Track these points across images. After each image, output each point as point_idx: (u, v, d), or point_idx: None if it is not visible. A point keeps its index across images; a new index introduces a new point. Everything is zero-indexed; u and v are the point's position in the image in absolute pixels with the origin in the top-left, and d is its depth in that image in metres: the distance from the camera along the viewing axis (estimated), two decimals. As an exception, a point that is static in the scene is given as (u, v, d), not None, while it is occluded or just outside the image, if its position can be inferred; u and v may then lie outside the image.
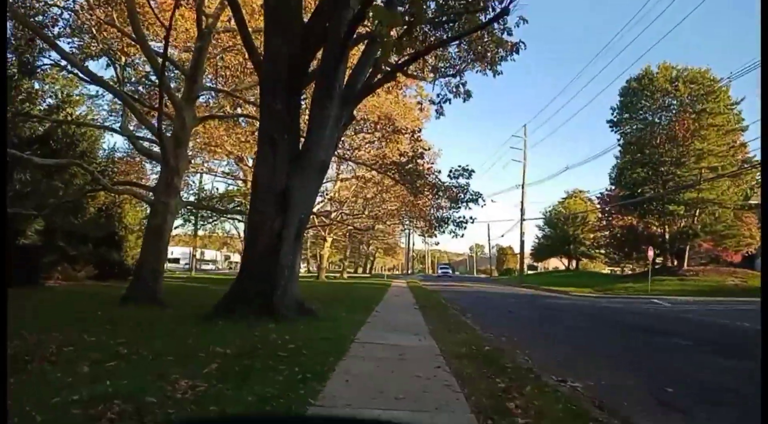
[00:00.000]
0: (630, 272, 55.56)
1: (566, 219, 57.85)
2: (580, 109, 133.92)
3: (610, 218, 43.85)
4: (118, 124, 16.61)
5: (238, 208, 25.29)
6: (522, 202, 43.15)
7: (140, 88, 16.80)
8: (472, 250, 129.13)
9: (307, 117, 9.70)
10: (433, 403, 3.96)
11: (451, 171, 14.84)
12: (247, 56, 11.01)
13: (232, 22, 11.85)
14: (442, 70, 12.10)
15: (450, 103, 14.30)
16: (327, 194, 31.25)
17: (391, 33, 9.79)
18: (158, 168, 21.43)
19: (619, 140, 37.23)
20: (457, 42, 11.25)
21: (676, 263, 35.88)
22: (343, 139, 20.38)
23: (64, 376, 4.33)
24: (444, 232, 17.28)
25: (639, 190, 34.65)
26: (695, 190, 31.18)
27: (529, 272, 61.41)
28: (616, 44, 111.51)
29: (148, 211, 15.52)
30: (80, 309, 10.26)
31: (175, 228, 50.36)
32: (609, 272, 64.26)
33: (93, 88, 23.93)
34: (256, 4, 13.34)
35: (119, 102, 15.51)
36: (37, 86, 19.60)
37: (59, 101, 22.20)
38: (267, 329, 7.48)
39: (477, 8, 9.46)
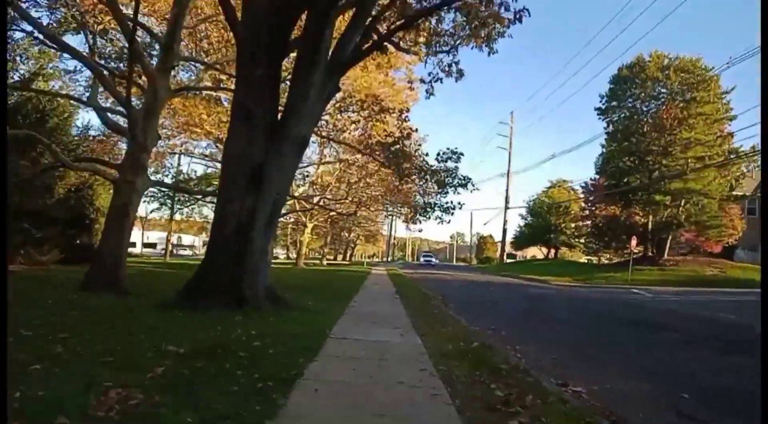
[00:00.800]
0: (607, 262, 56.00)
1: (549, 208, 57.82)
2: (568, 97, 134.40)
3: (594, 208, 43.80)
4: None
5: (216, 191, 24.34)
6: (507, 191, 42.91)
7: (119, 64, 15.67)
8: (453, 238, 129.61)
9: (287, 88, 8.82)
10: (420, 422, 3.29)
11: (438, 154, 14.18)
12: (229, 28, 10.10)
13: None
14: (436, 45, 11.32)
15: (441, 82, 13.60)
16: (309, 178, 30.37)
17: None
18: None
19: (606, 128, 36.93)
20: (452, 15, 10.48)
21: (655, 252, 35.93)
22: (326, 119, 19.49)
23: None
24: (430, 218, 16.63)
25: (625, 180, 34.44)
26: (681, 180, 31.06)
27: (508, 260, 61.38)
28: (608, 32, 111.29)
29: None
30: (32, 297, 9.32)
31: (151, 212, 49.23)
32: (586, 261, 64.73)
33: (71, 64, 22.58)
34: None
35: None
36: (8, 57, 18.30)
37: (31, 74, 20.90)
38: (233, 322, 6.74)
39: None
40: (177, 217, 48.17)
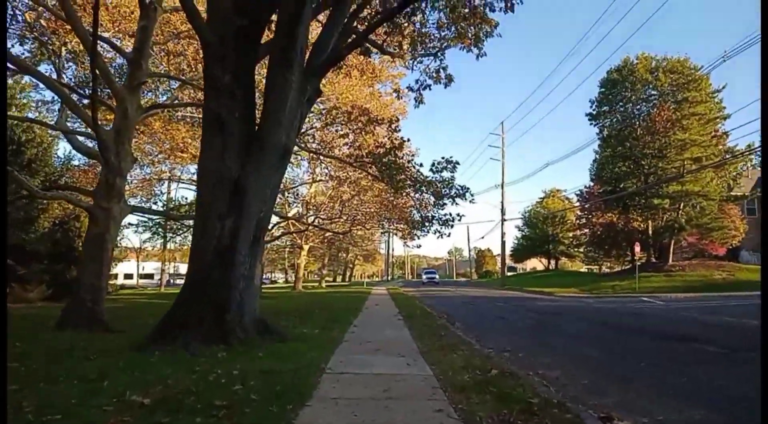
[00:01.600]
0: (608, 270, 55.12)
1: (545, 218, 57.18)
2: (558, 104, 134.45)
3: (590, 216, 43.14)
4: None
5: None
6: (502, 202, 42.13)
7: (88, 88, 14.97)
8: (451, 253, 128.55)
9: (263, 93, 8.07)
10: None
11: (433, 164, 13.42)
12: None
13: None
14: (421, 48, 10.70)
15: (430, 89, 13.04)
16: (300, 197, 29.56)
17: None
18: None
19: (598, 134, 36.40)
20: (437, 15, 9.86)
21: (659, 258, 35.17)
22: (313, 133, 18.80)
23: None
24: (428, 232, 15.79)
25: (621, 185, 33.81)
26: (679, 183, 30.44)
27: (509, 273, 60.46)
28: (595, 36, 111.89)
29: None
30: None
31: (145, 242, 48.13)
32: (587, 270, 63.83)
33: (48, 94, 21.84)
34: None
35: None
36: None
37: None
38: (214, 360, 5.88)
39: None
40: (170, 246, 47.14)
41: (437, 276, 62.27)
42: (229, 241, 7.00)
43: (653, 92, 33.62)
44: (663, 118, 30.85)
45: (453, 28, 10.17)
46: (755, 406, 4.69)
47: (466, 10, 9.89)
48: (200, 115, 16.56)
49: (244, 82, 7.28)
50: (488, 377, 5.29)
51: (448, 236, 14.88)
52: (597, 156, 38.05)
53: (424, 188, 13.13)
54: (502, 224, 42.83)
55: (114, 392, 4.58)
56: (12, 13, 13.09)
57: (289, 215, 25.57)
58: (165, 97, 16.96)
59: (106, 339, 8.54)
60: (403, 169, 12.69)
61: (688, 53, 34.49)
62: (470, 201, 13.77)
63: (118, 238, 32.53)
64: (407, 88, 13.20)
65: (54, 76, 13.04)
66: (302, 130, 17.59)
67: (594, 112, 36.66)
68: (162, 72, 14.15)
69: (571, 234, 55.87)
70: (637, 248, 29.33)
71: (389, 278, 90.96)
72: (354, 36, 7.99)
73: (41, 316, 13.02)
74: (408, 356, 6.64)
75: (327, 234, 32.70)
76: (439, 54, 12.32)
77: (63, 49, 13.65)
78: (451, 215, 14.24)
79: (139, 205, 25.54)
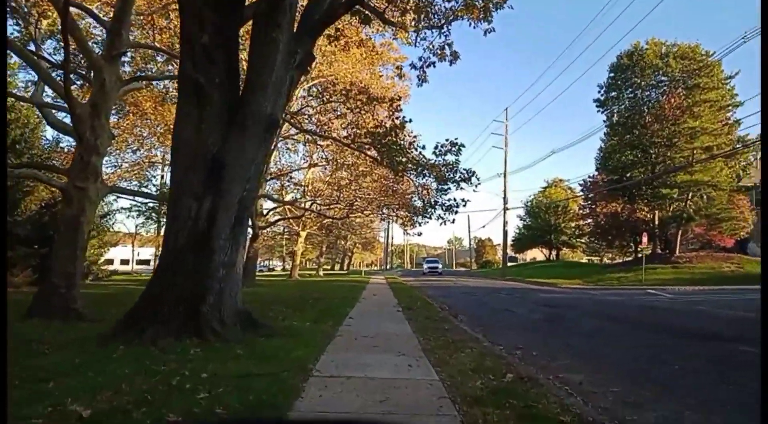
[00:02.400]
0: (608, 261, 54.26)
1: (548, 208, 56.25)
2: (564, 90, 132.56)
3: (594, 206, 42.25)
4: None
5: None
6: (504, 191, 41.21)
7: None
8: (451, 243, 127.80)
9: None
10: None
11: (436, 147, 12.47)
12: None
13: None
14: (425, 18, 9.77)
15: (434, 66, 12.16)
16: (292, 180, 28.64)
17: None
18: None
19: (606, 121, 35.34)
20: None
21: (665, 249, 34.36)
22: (309, 113, 17.90)
23: None
24: (431, 218, 14.90)
25: (628, 174, 32.82)
26: (687, 173, 29.50)
27: (510, 263, 59.69)
28: (604, 20, 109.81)
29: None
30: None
31: (138, 227, 47.24)
32: (587, 261, 63.05)
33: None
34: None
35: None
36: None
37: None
38: (184, 359, 5.07)
39: None
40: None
41: (440, 266, 53.68)
42: (206, 223, 6.15)
43: (663, 78, 32.55)
44: (673, 105, 29.86)
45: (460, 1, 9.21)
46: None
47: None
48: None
49: (226, 44, 6.38)
50: (504, 384, 4.48)
51: (452, 222, 14.06)
52: (603, 145, 37.02)
53: (426, 172, 12.22)
54: (504, 213, 42.01)
55: (56, 397, 3.79)
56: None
57: (286, 200, 24.68)
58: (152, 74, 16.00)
59: (75, 329, 7.75)
60: (404, 150, 11.79)
61: (699, 40, 32.80)
62: (476, 186, 12.92)
63: (111, 222, 31.79)
64: (410, 65, 12.30)
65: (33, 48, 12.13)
66: (297, 110, 16.70)
67: (602, 98, 35.58)
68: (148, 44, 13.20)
69: (573, 224, 55.01)
70: (645, 239, 28.50)
71: (388, 267, 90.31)
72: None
73: (19, 302, 12.22)
74: (409, 355, 5.82)
75: (325, 221, 31.87)
76: (444, 27, 11.41)
77: (43, 20, 12.70)
78: (455, 200, 13.36)
79: (131, 188, 24.65)
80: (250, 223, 26.61)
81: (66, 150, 24.85)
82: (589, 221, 46.37)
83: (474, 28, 10.78)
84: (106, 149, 10.27)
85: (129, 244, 54.24)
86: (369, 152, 12.78)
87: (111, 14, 12.78)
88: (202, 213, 6.15)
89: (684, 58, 31.82)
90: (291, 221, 32.33)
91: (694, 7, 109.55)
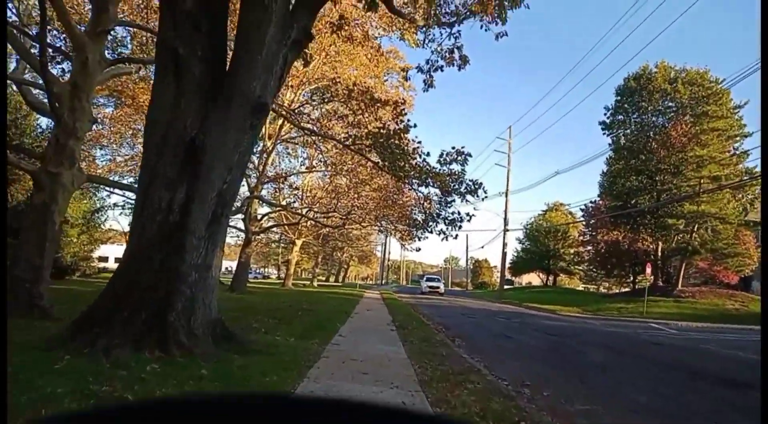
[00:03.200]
0: (605, 291, 53.17)
1: (547, 232, 55.42)
2: (570, 110, 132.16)
3: (594, 232, 41.47)
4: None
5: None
6: (505, 211, 40.43)
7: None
8: (447, 261, 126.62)
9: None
10: None
11: (441, 155, 11.66)
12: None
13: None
14: (434, 15, 9.08)
15: (442, 70, 11.48)
16: (295, 188, 27.83)
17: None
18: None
19: (611, 144, 34.65)
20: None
21: (666, 282, 33.50)
22: (306, 112, 17.13)
23: None
24: (432, 232, 14.05)
25: (632, 201, 32.01)
26: (694, 203, 28.76)
27: (506, 286, 58.70)
28: (610, 42, 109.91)
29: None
30: None
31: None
32: (584, 289, 62.00)
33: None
34: None
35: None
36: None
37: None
38: (134, 377, 4.21)
39: None
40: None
41: (442, 286, 44.12)
42: (178, 216, 5.34)
43: (671, 104, 31.98)
44: (680, 133, 29.27)
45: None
46: None
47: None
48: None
49: (213, 10, 5.62)
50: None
51: (455, 238, 13.26)
52: (607, 168, 36.31)
53: (430, 180, 11.43)
54: (504, 234, 41.15)
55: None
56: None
57: (283, 203, 23.85)
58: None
59: (31, 329, 6.89)
60: (407, 156, 11.02)
61: (708, 66, 32.25)
62: (483, 199, 12.11)
63: (104, 218, 30.86)
64: (417, 68, 11.60)
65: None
66: (296, 107, 15.97)
67: (608, 121, 34.99)
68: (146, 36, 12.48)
69: (572, 250, 54.17)
70: (648, 270, 27.67)
71: (383, 281, 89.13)
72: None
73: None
74: (404, 388, 4.97)
75: (321, 230, 31.04)
76: (455, 27, 10.78)
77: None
78: (459, 213, 12.54)
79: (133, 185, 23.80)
80: (242, 227, 25.88)
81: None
82: (589, 248, 45.60)
83: (486, 30, 10.18)
84: (84, 134, 9.49)
85: (124, 242, 53.13)
86: (370, 156, 12.00)
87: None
88: (174, 204, 5.34)
89: (692, 84, 31.26)
90: (287, 228, 31.47)
91: (704, 31, 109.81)
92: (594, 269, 47.82)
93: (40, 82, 11.61)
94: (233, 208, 22.81)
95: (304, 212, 23.80)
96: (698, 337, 16.47)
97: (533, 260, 58.52)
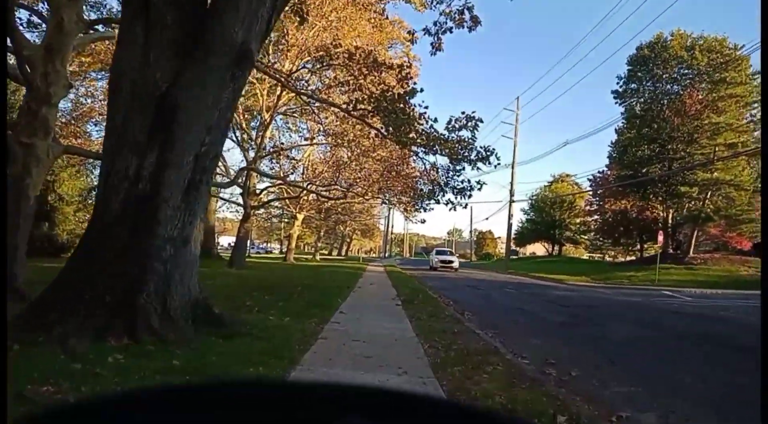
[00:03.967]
0: (610, 259, 52.60)
1: (553, 203, 54.64)
2: (579, 81, 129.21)
3: (602, 202, 40.67)
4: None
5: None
6: (512, 183, 39.52)
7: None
8: (451, 234, 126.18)
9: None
10: None
11: (449, 122, 10.76)
12: None
13: None
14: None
15: (451, 32, 10.59)
16: (295, 161, 26.97)
17: None
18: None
19: (623, 114, 33.59)
20: None
21: (676, 249, 32.83)
22: (305, 78, 16.15)
23: None
24: (439, 202, 13.24)
25: (644, 170, 31.08)
26: (708, 170, 27.86)
27: (511, 257, 58.26)
28: (624, 11, 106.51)
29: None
30: None
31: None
32: (588, 258, 61.45)
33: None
34: None
35: None
36: None
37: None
38: (91, 369, 3.53)
39: None
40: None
41: (456, 260, 35.72)
42: (149, 185, 4.58)
43: (686, 71, 30.78)
44: (695, 100, 28.18)
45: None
46: None
47: None
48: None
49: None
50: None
51: (465, 207, 12.47)
52: (618, 138, 35.31)
53: (437, 147, 10.57)
54: (510, 206, 40.37)
55: None
56: None
57: (281, 176, 23.03)
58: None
59: None
60: (413, 120, 10.15)
61: (726, 33, 30.91)
62: (495, 166, 11.25)
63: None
64: (423, 30, 10.65)
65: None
66: (292, 72, 15.03)
67: (621, 90, 33.85)
68: None
69: (578, 220, 53.49)
70: (660, 237, 26.92)
71: (386, 255, 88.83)
72: None
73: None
74: (414, 374, 4.28)
75: (323, 204, 30.30)
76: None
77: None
78: (469, 181, 11.69)
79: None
80: (238, 200, 25.09)
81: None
82: (596, 217, 44.85)
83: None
84: (59, 100, 8.65)
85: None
86: (373, 123, 11.12)
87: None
88: (144, 171, 4.58)
89: (711, 50, 30.08)
90: (287, 202, 30.75)
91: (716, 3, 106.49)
92: (600, 238, 47.20)
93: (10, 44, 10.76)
94: (232, 181, 22.11)
95: (304, 186, 22.98)
96: (715, 304, 15.86)
97: (539, 231, 57.95)
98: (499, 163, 11.29)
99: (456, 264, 34.40)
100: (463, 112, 10.74)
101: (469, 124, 10.97)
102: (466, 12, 10.22)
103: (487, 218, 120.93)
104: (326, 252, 71.11)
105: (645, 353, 6.94)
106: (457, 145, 10.79)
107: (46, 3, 9.52)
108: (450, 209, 12.27)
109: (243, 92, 22.09)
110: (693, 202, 30.84)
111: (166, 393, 0.63)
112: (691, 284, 24.22)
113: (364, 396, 0.63)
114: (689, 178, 29.00)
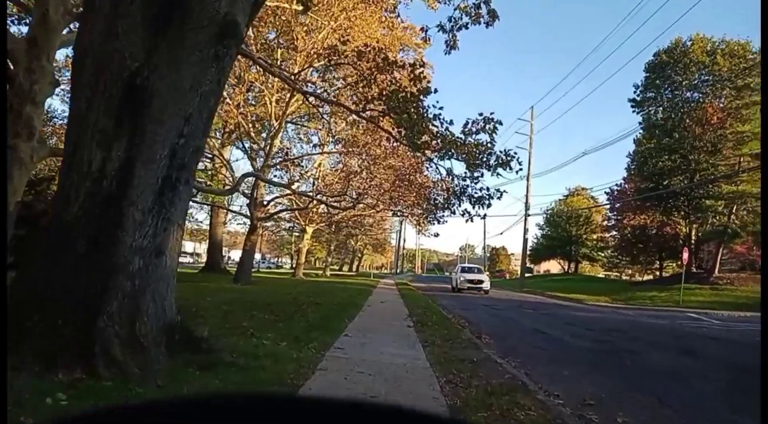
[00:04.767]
0: (627, 278, 50.94)
1: (569, 218, 53.27)
2: (595, 89, 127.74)
3: (620, 217, 39.45)
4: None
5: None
6: (527, 196, 38.46)
7: None
8: (463, 249, 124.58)
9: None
10: None
11: (466, 125, 9.94)
12: None
13: None
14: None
15: (467, 28, 9.92)
16: (306, 171, 26.28)
17: None
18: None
19: (641, 123, 32.49)
20: None
21: (700, 268, 31.45)
22: (314, 83, 15.56)
23: None
24: (455, 213, 12.36)
25: (665, 182, 29.85)
26: (733, 183, 26.63)
27: (526, 274, 57.00)
28: (639, 17, 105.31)
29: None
30: None
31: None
32: (605, 276, 59.77)
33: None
34: None
35: None
36: None
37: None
38: (22, 414, 2.76)
39: None
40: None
41: (486, 279, 28.59)
42: (114, 183, 3.84)
43: (707, 78, 29.68)
44: (717, 108, 27.11)
45: None
46: None
47: None
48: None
49: None
50: None
51: (483, 218, 11.63)
52: (636, 149, 34.11)
53: (453, 151, 9.77)
54: (526, 220, 39.26)
55: None
56: None
57: (287, 184, 22.32)
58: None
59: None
60: (427, 120, 9.37)
61: (749, 37, 29.62)
62: (517, 172, 10.40)
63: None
64: (438, 26, 9.96)
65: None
66: (301, 70, 14.38)
67: (638, 99, 32.81)
68: None
69: (596, 236, 52.07)
70: (685, 255, 25.66)
71: (398, 270, 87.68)
72: None
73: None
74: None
75: (333, 217, 29.56)
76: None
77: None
78: (488, 189, 10.81)
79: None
80: (247, 213, 24.40)
81: (57, 125, 22.79)
82: (614, 233, 43.54)
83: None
84: (45, 98, 8.03)
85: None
86: (384, 125, 10.38)
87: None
88: (108, 166, 3.84)
89: (733, 55, 28.96)
90: (296, 213, 30.05)
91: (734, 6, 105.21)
92: (618, 256, 45.78)
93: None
94: (242, 192, 21.43)
95: (313, 196, 22.27)
96: (747, 329, 14.73)
97: (554, 247, 56.45)
98: (521, 169, 10.46)
99: (487, 285, 27.69)
100: (480, 114, 9.96)
101: (487, 126, 10.17)
102: (483, 6, 9.57)
103: (501, 233, 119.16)
104: (337, 267, 70.20)
105: (695, 388, 5.99)
106: (474, 150, 9.98)
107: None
108: (466, 220, 11.42)
109: (252, 100, 21.79)
110: (717, 217, 29.54)
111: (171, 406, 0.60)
112: (718, 305, 22.96)
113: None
114: (714, 191, 27.76)
